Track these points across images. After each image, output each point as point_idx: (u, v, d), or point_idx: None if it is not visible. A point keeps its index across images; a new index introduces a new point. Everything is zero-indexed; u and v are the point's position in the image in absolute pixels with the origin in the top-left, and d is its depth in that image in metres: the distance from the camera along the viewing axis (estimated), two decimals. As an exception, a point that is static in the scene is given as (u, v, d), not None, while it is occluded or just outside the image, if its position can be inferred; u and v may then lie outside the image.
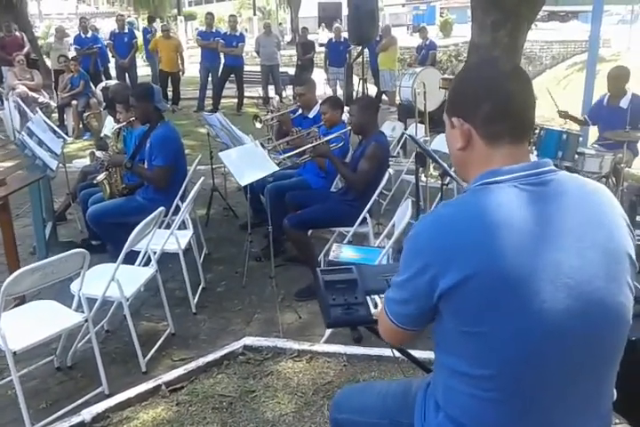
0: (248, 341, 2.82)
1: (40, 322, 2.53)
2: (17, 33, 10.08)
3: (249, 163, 3.52)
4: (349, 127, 3.99)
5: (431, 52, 9.44)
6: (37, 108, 5.91)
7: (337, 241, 3.65)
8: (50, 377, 2.73)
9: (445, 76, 7.73)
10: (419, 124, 5.37)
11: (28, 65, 8.56)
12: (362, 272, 2.30)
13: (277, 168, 3.58)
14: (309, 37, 11.90)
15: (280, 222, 3.63)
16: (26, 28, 11.52)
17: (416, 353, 2.19)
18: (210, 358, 2.70)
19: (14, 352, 2.31)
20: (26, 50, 9.59)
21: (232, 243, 4.32)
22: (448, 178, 3.68)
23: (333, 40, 10.84)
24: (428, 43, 9.64)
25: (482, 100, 1.17)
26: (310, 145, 3.81)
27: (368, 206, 3.52)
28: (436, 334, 1.22)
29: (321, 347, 2.76)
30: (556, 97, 5.35)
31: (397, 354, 2.14)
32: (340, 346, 2.75)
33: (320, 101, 4.46)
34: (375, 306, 2.15)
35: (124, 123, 4.18)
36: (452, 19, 23.19)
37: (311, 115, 4.65)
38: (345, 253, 3.11)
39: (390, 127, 5.55)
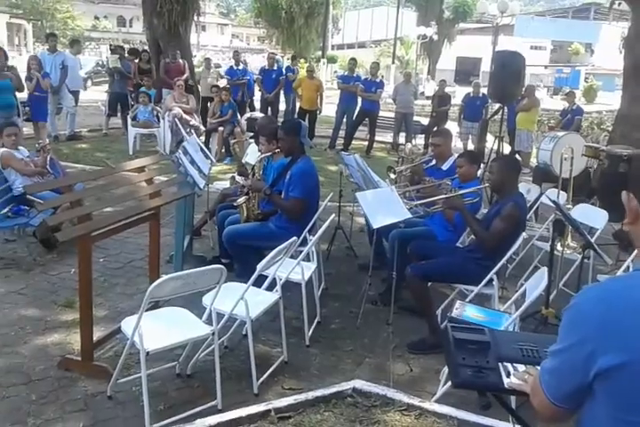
0: (358, 384, 2.81)
1: (173, 328, 2.70)
2: (180, 60, 11.12)
3: (383, 206, 3.58)
4: (486, 184, 3.94)
5: (577, 118, 9.14)
6: (192, 131, 6.42)
7: (457, 298, 3.57)
8: (169, 382, 2.88)
9: (589, 143, 7.43)
10: (555, 190, 5.18)
11: (185, 90, 9.38)
12: (495, 336, 2.23)
13: (410, 215, 3.61)
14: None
15: (401, 269, 3.62)
16: (187, 56, 12.64)
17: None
18: (319, 393, 2.72)
19: (147, 352, 2.48)
20: (185, 76, 10.51)
21: (349, 282, 4.37)
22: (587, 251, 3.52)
23: (471, 95, 10.85)
24: (574, 107, 9.36)
25: None
26: (444, 196, 3.80)
27: (497, 268, 3.42)
28: (584, 417, 1.16)
29: (432, 405, 2.68)
30: None
31: (518, 428, 2.03)
32: (451, 408, 2.65)
33: (456, 154, 4.47)
34: (507, 375, 2.06)
35: (269, 153, 4.42)
36: (597, 85, 22.36)
37: (445, 167, 4.63)
38: (469, 312, 3.03)
39: (525, 189, 5.39)
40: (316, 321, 3.63)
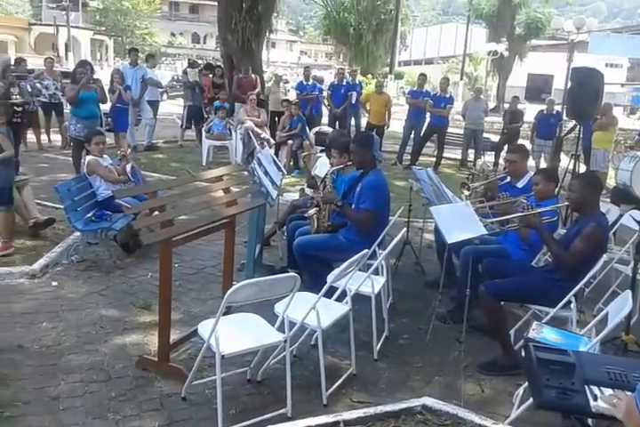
0: (428, 401, 2.76)
1: (247, 333, 2.75)
2: (252, 75, 11.44)
3: (458, 221, 3.52)
4: (565, 202, 3.82)
5: (657, 138, 8.74)
6: (265, 143, 6.58)
7: (531, 319, 3.46)
8: (240, 387, 2.93)
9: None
10: (638, 211, 4.93)
11: (257, 104, 9.63)
12: (580, 358, 2.15)
13: (486, 231, 3.54)
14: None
15: (473, 287, 3.55)
16: (258, 71, 12.99)
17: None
18: (388, 408, 2.69)
19: (223, 356, 2.53)
20: (257, 90, 10.81)
21: (417, 298, 4.32)
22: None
23: (545, 112, 10.58)
24: (654, 127, 8.97)
25: None
26: (521, 214, 3.70)
27: (575, 290, 3.30)
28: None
29: (505, 428, 2.60)
30: None
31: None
32: (527, 433, 2.56)
33: (532, 172, 4.36)
34: (595, 398, 1.98)
35: (342, 166, 4.45)
36: (678, 104, 21.25)
37: (520, 184, 4.51)
38: (546, 333, 2.94)
39: (604, 210, 5.17)
40: (384, 336, 3.60)
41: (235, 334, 2.71)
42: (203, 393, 2.83)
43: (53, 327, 3.44)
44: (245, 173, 4.99)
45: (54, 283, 4.09)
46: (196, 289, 4.15)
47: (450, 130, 11.04)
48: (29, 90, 9.07)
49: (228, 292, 2.56)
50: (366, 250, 3.29)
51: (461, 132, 11.31)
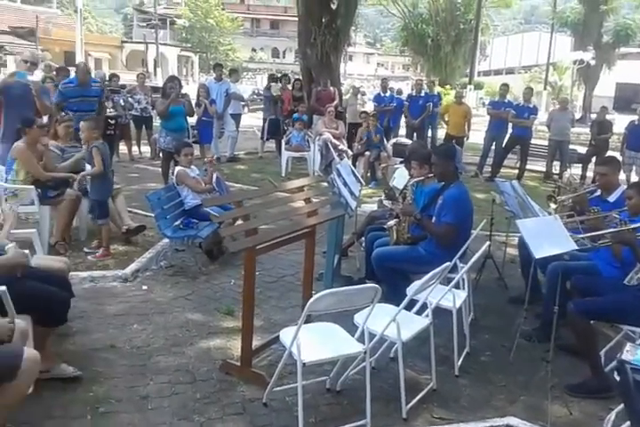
0: (513, 421, 2.67)
1: (328, 342, 2.77)
2: (331, 88, 11.59)
3: (546, 236, 3.39)
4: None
5: None
6: (344, 155, 6.64)
7: (624, 340, 3.27)
8: (319, 396, 2.95)
9: None
10: None
11: (335, 116, 9.74)
12: (684, 384, 2.01)
13: (576, 246, 3.39)
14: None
15: (561, 305, 3.39)
16: (337, 84, 13.16)
17: None
18: (471, 426, 2.62)
19: (304, 364, 2.57)
20: (335, 103, 10.94)
21: (500, 314, 4.19)
22: None
23: (636, 122, 10.02)
24: None
25: None
26: (614, 229, 3.52)
27: (674, 311, 3.09)
28: None
29: (597, 454, 2.46)
30: None
31: None
32: (621, 460, 2.41)
33: (624, 186, 4.14)
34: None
35: (422, 178, 4.41)
36: None
37: (611, 199, 4.27)
38: (641, 356, 2.77)
39: None
40: (465, 351, 3.51)
41: (315, 342, 2.74)
42: (283, 400, 2.87)
43: (143, 329, 3.61)
44: (324, 183, 5.05)
45: (144, 287, 4.31)
46: (275, 297, 4.24)
47: (533, 141, 10.68)
48: (122, 104, 9.64)
49: (310, 301, 2.59)
50: (448, 263, 3.23)
51: (545, 143, 10.92)
